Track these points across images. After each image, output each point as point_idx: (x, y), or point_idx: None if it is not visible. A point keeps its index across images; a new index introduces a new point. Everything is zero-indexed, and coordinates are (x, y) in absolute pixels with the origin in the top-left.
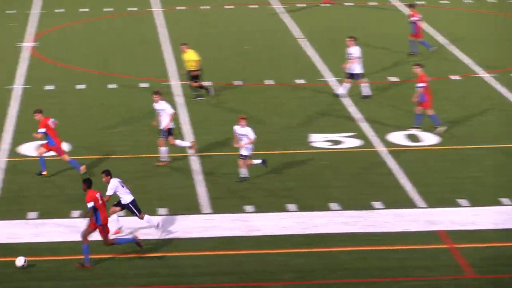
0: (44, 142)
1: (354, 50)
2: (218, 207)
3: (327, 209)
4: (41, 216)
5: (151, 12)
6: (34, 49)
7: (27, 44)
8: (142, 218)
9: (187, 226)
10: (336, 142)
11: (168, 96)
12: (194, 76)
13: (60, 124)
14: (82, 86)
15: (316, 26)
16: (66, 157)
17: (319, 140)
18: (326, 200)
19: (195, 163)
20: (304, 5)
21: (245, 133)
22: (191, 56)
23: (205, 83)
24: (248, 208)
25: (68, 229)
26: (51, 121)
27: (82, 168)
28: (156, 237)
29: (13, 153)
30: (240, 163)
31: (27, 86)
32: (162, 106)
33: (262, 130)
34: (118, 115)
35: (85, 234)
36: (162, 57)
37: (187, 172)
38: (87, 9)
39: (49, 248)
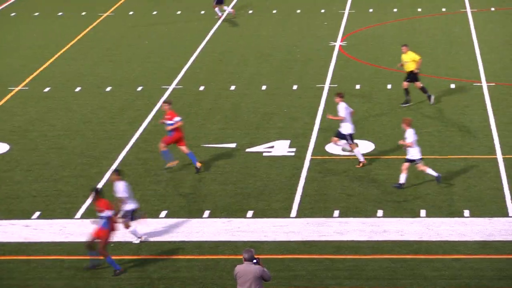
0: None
1: None
2: None
3: None
4: (344, 215)
5: (464, 13)
6: (342, 48)
7: (338, 43)
8: (127, 227)
9: (490, 229)
10: None
11: (478, 98)
12: (412, 78)
13: (366, 123)
14: (390, 86)
15: None
16: (186, 150)
17: None
18: None
19: (501, 165)
20: None
21: (406, 136)
22: (410, 57)
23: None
24: None
25: (371, 228)
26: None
27: (199, 165)
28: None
29: (319, 151)
30: (402, 167)
31: (334, 85)
32: (339, 107)
33: None
34: (425, 115)
35: (102, 248)
36: (474, 59)
37: (496, 174)
38: (395, 10)
39: (350, 246)
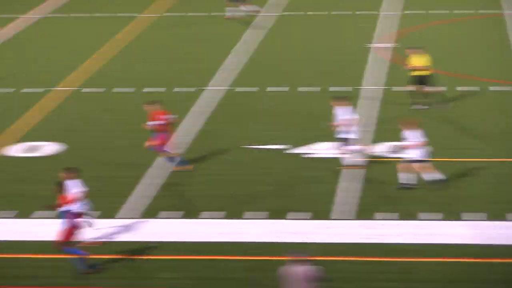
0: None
1: None
2: None
3: None
4: (390, 217)
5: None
6: (392, 50)
7: (381, 45)
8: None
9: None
10: None
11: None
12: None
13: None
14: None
15: None
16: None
17: None
18: None
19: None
20: None
21: (408, 136)
22: (418, 61)
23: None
24: None
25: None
26: (167, 117)
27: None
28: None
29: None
30: (400, 166)
31: (370, 87)
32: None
33: None
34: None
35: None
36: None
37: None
38: (433, 11)
39: (401, 249)
